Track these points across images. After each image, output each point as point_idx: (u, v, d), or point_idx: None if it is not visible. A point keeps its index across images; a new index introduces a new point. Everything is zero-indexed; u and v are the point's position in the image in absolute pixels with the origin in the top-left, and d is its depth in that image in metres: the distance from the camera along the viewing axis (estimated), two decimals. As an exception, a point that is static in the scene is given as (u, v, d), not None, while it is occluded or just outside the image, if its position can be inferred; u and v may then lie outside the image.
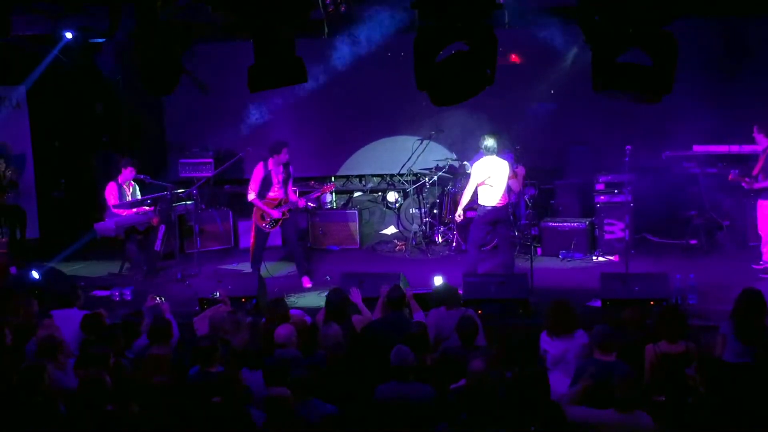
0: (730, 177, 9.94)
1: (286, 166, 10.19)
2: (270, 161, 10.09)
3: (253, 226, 10.30)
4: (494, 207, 9.57)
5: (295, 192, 10.46)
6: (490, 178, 9.52)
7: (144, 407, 5.63)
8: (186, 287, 10.17)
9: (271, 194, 10.15)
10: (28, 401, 5.70)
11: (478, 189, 9.61)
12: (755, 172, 9.77)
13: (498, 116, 11.94)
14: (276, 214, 10.11)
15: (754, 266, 9.86)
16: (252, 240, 10.38)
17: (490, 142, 9.59)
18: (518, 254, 10.98)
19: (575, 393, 5.83)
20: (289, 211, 10.20)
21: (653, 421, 5.33)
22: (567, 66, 11.28)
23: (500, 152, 11.81)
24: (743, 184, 9.82)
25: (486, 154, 9.62)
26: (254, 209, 10.24)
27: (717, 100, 11.53)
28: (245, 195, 10.42)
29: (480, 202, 9.66)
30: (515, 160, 11.72)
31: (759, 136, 9.82)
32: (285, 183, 10.19)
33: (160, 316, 7.20)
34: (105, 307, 8.20)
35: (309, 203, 11.36)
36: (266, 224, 10.18)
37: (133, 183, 10.82)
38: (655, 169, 11.44)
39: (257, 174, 10.13)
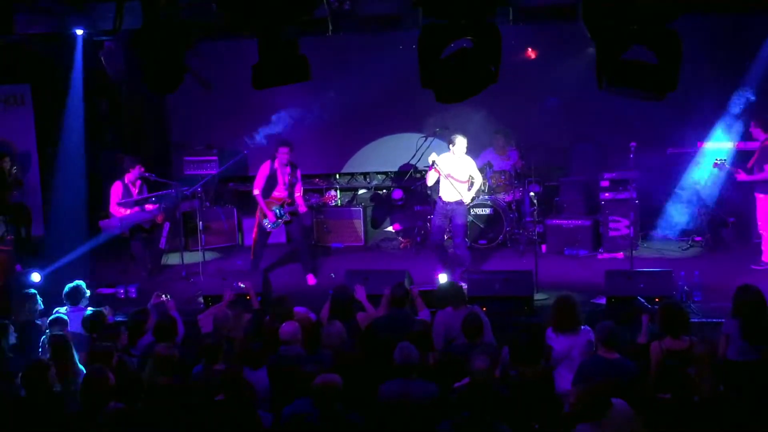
0: (714, 165, 9.89)
1: (293, 168, 10.19)
2: (276, 160, 10.13)
3: (256, 223, 10.31)
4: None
5: (306, 199, 10.50)
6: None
7: (149, 405, 5.63)
8: (191, 284, 10.19)
9: (275, 193, 10.17)
10: (31, 400, 5.71)
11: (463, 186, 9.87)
12: (750, 164, 9.74)
13: (503, 113, 11.93)
14: (272, 217, 10.11)
15: (754, 267, 9.74)
16: (254, 237, 10.39)
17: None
18: (523, 251, 11.01)
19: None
20: (292, 214, 10.19)
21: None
22: (571, 63, 11.24)
23: (506, 149, 11.91)
24: (736, 175, 9.78)
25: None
26: (257, 207, 10.25)
27: (721, 97, 11.48)
28: (251, 191, 10.45)
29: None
30: (520, 157, 11.76)
31: (756, 131, 9.79)
32: (291, 185, 10.18)
33: (166, 314, 7.20)
34: (110, 305, 8.23)
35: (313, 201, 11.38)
36: (268, 224, 10.18)
37: (140, 182, 10.81)
38: (660, 166, 11.42)
39: (262, 171, 10.17)
